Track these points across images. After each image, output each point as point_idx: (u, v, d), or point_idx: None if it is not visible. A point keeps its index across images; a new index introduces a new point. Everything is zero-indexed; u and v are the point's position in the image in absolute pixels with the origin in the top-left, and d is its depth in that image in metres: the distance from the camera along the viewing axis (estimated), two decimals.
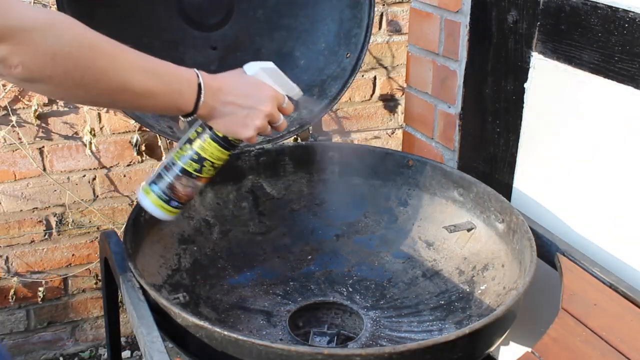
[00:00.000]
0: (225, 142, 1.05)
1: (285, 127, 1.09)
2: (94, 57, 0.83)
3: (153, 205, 1.07)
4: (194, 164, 1.05)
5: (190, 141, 1.05)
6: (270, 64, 1.07)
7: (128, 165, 1.73)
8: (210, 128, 1.04)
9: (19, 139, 1.60)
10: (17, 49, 0.76)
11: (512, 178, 1.46)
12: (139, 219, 1.20)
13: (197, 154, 1.05)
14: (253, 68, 1.05)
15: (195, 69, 0.97)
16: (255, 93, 1.02)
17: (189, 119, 1.00)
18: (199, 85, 0.96)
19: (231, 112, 1.00)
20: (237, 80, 1.03)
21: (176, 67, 0.95)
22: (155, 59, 0.92)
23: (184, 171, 1.05)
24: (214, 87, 0.98)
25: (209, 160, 1.05)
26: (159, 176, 1.06)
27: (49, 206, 1.70)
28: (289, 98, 1.09)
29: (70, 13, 1.17)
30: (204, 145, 1.04)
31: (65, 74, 0.81)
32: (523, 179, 1.43)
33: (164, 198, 1.06)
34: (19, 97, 1.58)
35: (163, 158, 1.08)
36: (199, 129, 1.05)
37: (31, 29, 0.77)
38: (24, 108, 1.59)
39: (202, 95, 0.96)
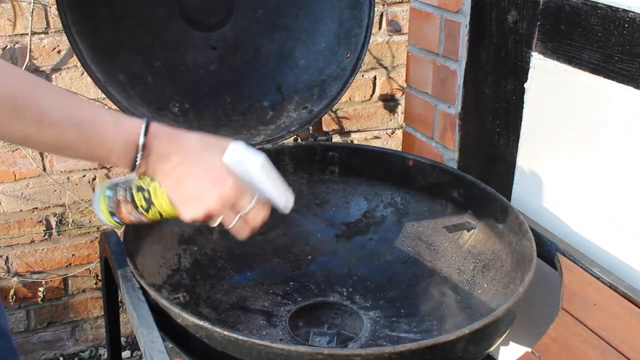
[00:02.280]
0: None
1: (246, 233, 0.93)
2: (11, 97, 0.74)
3: (99, 206, 0.96)
4: (143, 201, 0.94)
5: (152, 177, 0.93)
6: (260, 158, 0.90)
7: None
8: None
9: None
10: None
11: (512, 178, 1.46)
12: None
13: (149, 194, 0.92)
14: (232, 155, 0.89)
15: (147, 123, 0.84)
16: (207, 180, 0.87)
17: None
18: (137, 146, 0.84)
19: (172, 185, 0.88)
20: (198, 154, 0.87)
21: (114, 119, 0.83)
22: (88, 109, 0.82)
23: (132, 200, 0.95)
24: (162, 151, 0.85)
25: (156, 207, 0.94)
26: (117, 186, 0.96)
27: (49, 206, 1.70)
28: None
29: (70, 13, 1.17)
30: (157, 191, 0.92)
31: None
32: (523, 179, 1.43)
33: (109, 209, 0.96)
34: None
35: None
36: None
37: None
38: None
39: (138, 158, 0.84)
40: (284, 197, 0.95)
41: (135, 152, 0.84)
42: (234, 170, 0.88)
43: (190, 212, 0.89)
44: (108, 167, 1.71)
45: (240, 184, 0.88)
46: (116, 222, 0.98)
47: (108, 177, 1.72)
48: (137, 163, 0.84)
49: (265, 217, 0.92)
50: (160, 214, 0.95)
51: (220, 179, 0.87)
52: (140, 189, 0.93)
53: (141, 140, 0.83)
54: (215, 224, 0.91)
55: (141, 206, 0.95)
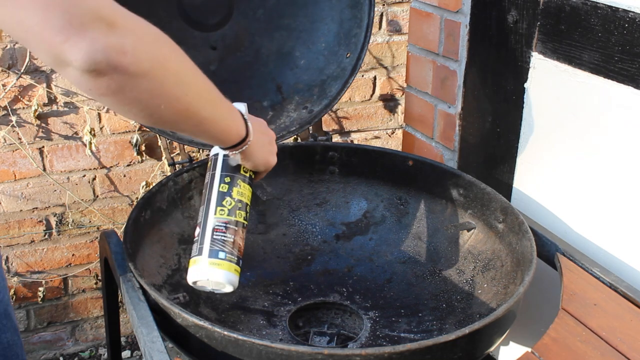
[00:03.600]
0: (251, 181, 1.04)
1: None
2: (178, 50, 0.79)
3: (231, 273, 0.96)
4: (242, 212, 1.00)
5: (226, 194, 0.99)
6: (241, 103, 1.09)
7: (128, 165, 1.73)
8: (236, 172, 1.01)
9: (19, 139, 1.60)
10: (127, 31, 0.69)
11: (512, 178, 1.46)
12: (139, 219, 1.20)
13: (240, 201, 1.00)
14: (239, 107, 1.04)
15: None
16: (261, 123, 1.05)
17: (238, 151, 0.96)
18: (240, 111, 0.96)
19: (263, 141, 1.02)
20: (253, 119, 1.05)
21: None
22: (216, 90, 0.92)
23: (238, 224, 0.99)
24: (250, 118, 0.98)
25: (249, 204, 1.02)
26: (216, 242, 0.97)
27: (49, 206, 1.70)
28: None
29: None
30: (242, 191, 1.01)
31: (167, 63, 0.75)
32: (523, 179, 1.43)
33: (235, 260, 0.97)
34: (19, 97, 1.58)
35: (200, 222, 1.00)
36: (227, 179, 1.00)
37: (131, 14, 0.72)
38: (24, 108, 1.59)
39: (247, 120, 0.96)
40: None
41: (243, 119, 0.96)
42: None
43: (275, 150, 1.07)
44: (108, 167, 1.71)
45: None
46: (241, 267, 0.99)
47: (108, 177, 1.72)
48: (249, 126, 0.96)
49: None
50: (250, 207, 1.03)
51: (257, 119, 1.05)
52: (232, 211, 0.98)
53: (242, 109, 0.98)
54: None
55: (244, 219, 1.00)
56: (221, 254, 0.95)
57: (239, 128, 0.94)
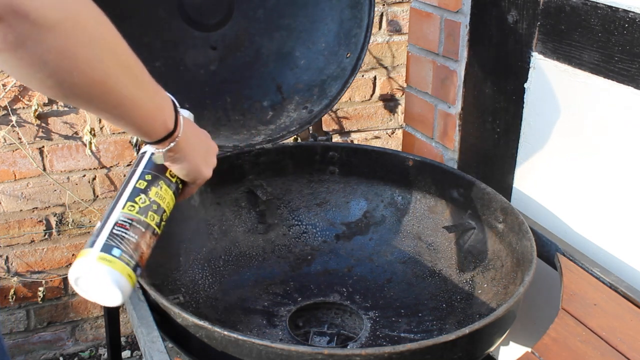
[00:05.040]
0: (177, 190, 0.90)
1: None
2: (97, 9, 0.67)
3: (121, 276, 0.78)
4: (156, 216, 0.85)
5: (141, 191, 0.85)
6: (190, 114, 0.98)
7: (128, 165, 1.73)
8: (161, 173, 0.88)
9: (19, 139, 1.60)
10: None
11: (512, 178, 1.46)
12: None
13: (157, 203, 0.85)
14: (185, 112, 0.93)
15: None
16: (203, 132, 0.93)
17: (164, 148, 0.83)
18: (173, 102, 0.83)
19: (197, 145, 0.89)
20: (191, 123, 0.90)
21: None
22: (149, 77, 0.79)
23: (148, 227, 0.83)
24: (183, 115, 0.86)
25: (166, 212, 0.87)
26: (114, 237, 0.80)
27: (49, 206, 1.70)
28: None
29: None
30: (162, 194, 0.86)
31: (82, 18, 0.64)
32: (523, 179, 1.43)
33: (131, 264, 0.79)
34: (19, 97, 1.58)
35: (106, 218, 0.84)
36: (148, 177, 0.87)
37: None
38: (24, 108, 1.59)
39: (179, 112, 0.83)
40: None
41: (174, 109, 0.82)
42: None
43: (212, 162, 0.94)
44: (108, 167, 1.71)
45: None
46: (137, 276, 0.82)
47: (108, 176, 1.72)
48: (180, 119, 0.83)
49: None
50: (166, 220, 0.88)
51: (210, 139, 0.95)
52: (144, 210, 0.84)
53: (174, 99, 0.84)
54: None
55: (156, 225, 0.85)
56: (115, 251, 0.78)
57: (165, 118, 0.80)
